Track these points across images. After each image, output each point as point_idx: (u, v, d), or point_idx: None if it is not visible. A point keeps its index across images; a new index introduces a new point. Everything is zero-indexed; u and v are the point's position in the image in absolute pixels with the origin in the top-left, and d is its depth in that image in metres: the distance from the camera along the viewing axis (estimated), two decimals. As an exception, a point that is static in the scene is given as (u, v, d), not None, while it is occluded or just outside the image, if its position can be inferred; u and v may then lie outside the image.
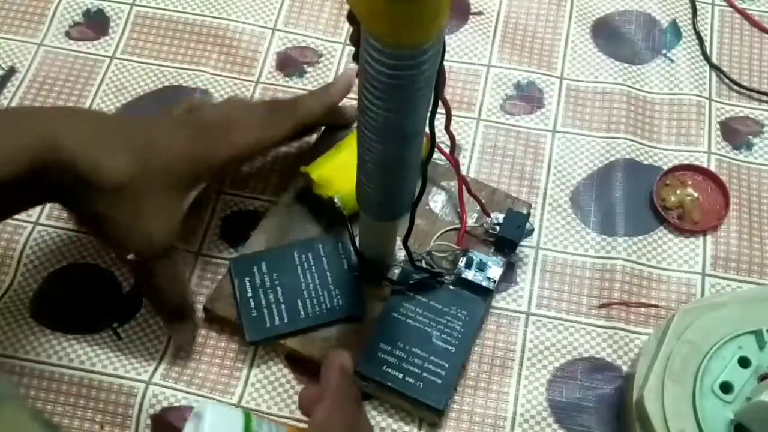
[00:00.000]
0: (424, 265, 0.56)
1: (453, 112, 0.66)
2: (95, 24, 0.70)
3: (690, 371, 0.49)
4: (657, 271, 0.59)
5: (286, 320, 0.54)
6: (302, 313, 0.54)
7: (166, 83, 0.66)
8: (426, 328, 0.54)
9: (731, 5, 0.71)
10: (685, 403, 0.48)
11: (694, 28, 0.70)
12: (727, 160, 0.64)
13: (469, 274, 0.55)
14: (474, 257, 0.56)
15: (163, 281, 0.52)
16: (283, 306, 0.54)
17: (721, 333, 0.50)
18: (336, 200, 0.55)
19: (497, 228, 0.56)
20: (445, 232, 0.58)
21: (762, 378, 0.49)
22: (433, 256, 0.57)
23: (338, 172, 0.56)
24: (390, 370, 0.53)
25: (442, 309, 0.55)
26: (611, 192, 0.62)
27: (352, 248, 0.56)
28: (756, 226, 0.61)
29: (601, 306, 0.58)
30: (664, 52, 0.69)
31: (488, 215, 0.57)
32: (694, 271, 0.59)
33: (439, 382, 0.53)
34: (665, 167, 0.63)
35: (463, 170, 0.62)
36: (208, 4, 0.70)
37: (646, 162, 0.63)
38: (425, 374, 0.53)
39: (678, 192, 0.62)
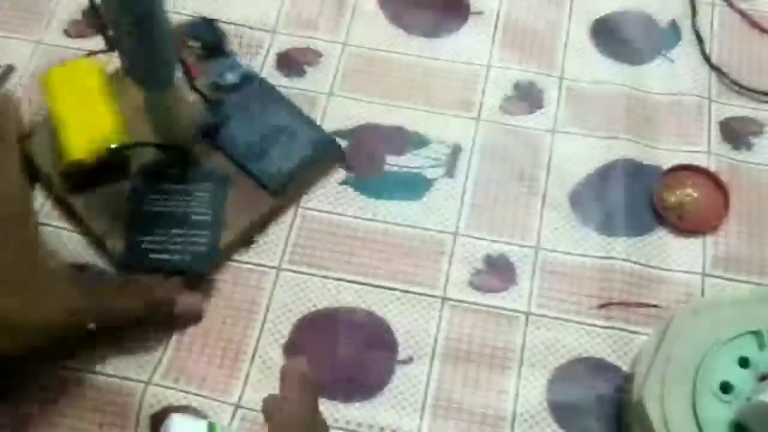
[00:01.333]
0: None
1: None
2: (94, 22, 0.69)
3: (690, 371, 0.49)
4: (657, 271, 0.59)
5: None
6: None
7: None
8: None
9: (731, 5, 0.71)
10: (685, 403, 0.48)
11: (694, 28, 0.70)
12: (727, 160, 0.64)
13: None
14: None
15: (110, 319, 0.53)
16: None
17: (721, 333, 0.50)
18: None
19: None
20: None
21: (762, 378, 0.49)
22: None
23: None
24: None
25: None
26: (611, 192, 0.62)
27: None
28: (756, 226, 0.61)
29: (601, 306, 0.58)
30: (664, 52, 0.69)
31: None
32: (694, 271, 0.59)
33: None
34: (665, 167, 0.63)
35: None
36: (208, 4, 0.70)
37: (646, 162, 0.63)
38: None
39: (678, 192, 0.62)
